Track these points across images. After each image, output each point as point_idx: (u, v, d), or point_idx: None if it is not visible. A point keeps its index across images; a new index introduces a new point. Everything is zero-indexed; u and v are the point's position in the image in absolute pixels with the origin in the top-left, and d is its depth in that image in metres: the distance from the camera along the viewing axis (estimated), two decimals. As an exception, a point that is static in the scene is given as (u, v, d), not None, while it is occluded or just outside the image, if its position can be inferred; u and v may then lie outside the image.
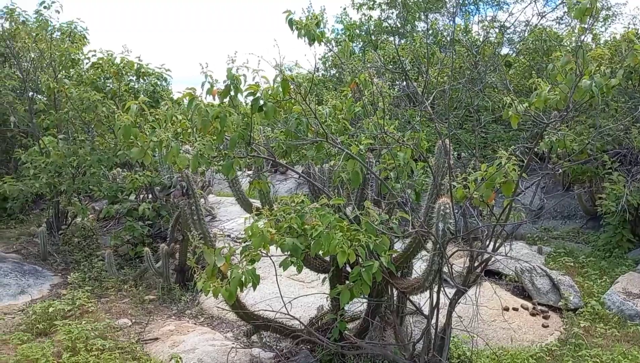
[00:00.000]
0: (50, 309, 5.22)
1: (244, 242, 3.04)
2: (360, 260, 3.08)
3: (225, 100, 3.22)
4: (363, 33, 17.15)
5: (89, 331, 4.67)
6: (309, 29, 3.44)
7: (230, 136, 3.05)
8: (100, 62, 7.21)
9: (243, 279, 2.76)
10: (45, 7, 7.52)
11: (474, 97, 5.54)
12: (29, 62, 8.60)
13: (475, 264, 3.49)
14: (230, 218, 9.52)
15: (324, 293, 4.42)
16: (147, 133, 3.16)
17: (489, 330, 5.14)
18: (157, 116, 7.86)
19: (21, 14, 9.27)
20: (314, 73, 3.55)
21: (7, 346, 4.75)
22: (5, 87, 8.19)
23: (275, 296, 4.91)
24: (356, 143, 3.58)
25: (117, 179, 8.14)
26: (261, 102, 3.06)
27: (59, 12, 7.56)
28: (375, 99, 4.10)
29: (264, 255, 2.99)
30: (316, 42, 3.47)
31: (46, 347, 4.32)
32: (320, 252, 3.01)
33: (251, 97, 3.06)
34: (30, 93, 8.13)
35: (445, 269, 3.29)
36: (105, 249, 8.06)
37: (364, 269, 2.96)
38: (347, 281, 4.07)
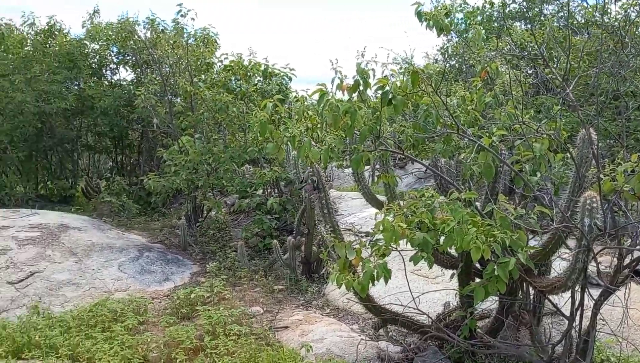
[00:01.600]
0: (192, 295, 5.66)
1: (373, 236, 3.06)
2: (493, 256, 2.96)
3: (353, 95, 3.27)
4: (485, 20, 16.42)
5: (227, 317, 4.99)
6: (438, 20, 3.39)
7: (360, 130, 3.08)
8: (231, 65, 7.66)
9: (375, 273, 2.78)
10: (182, 16, 8.16)
11: (620, 82, 5.06)
12: (168, 68, 9.39)
13: (625, 263, 3.19)
14: (351, 212, 9.63)
15: (452, 289, 4.31)
16: (281, 130, 3.29)
17: (637, 335, 4.69)
18: (282, 114, 8.16)
19: (160, 24, 10.16)
20: (445, 65, 3.47)
21: (156, 327, 5.24)
22: (149, 92, 9.01)
23: (400, 291, 4.90)
24: (487, 134, 3.45)
25: (247, 176, 8.62)
26: (390, 95, 3.06)
27: (194, 20, 8.16)
28: (508, 88, 3.91)
29: (393, 249, 2.99)
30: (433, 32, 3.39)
31: (189, 330, 4.69)
32: (451, 248, 2.94)
33: (380, 91, 3.07)
34: (169, 96, 8.85)
35: (589, 268, 3.05)
36: (237, 241, 8.58)
37: (499, 266, 2.84)
38: (477, 279, 3.95)
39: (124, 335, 4.52)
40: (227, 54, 7.76)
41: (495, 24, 15.81)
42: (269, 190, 8.79)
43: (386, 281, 2.89)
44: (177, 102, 8.86)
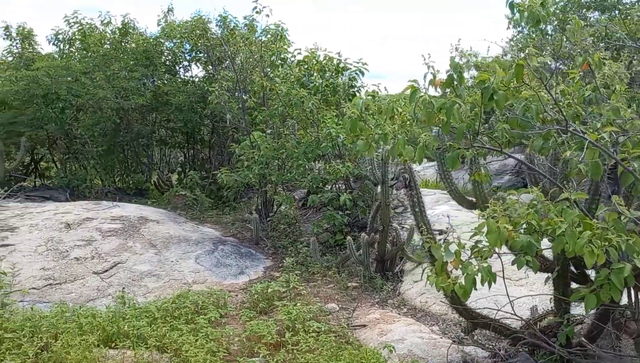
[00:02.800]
0: (269, 290, 5.69)
1: (473, 237, 2.93)
2: (599, 261, 2.76)
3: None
4: (559, 11, 15.66)
5: (305, 313, 4.98)
6: (533, 11, 3.21)
7: (457, 127, 2.95)
8: (305, 60, 7.65)
9: (479, 277, 2.65)
10: (257, 12, 8.22)
11: None
12: (241, 64, 9.51)
13: None
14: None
15: (546, 294, 4.10)
16: (372, 126, 3.21)
17: None
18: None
19: (232, 21, 10.32)
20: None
21: (235, 321, 5.31)
22: (222, 88, 9.16)
23: (483, 295, 4.72)
24: (590, 130, 3.22)
25: (318, 171, 8.61)
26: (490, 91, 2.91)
27: (268, 16, 8.21)
28: (609, 81, 3.65)
29: (495, 252, 2.84)
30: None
31: (270, 325, 4.71)
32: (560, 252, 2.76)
33: (481, 86, 2.92)
34: (242, 92, 8.96)
35: None
36: (307, 236, 8.60)
37: (613, 272, 2.64)
38: (574, 283, 3.72)
39: (207, 328, 4.59)
40: (300, 49, 7.76)
41: (572, 14, 15.04)
42: (337, 186, 8.74)
43: (489, 286, 2.75)
44: (250, 98, 8.95)
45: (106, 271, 6.36)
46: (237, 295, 6.23)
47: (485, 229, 2.69)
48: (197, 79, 11.96)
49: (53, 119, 10.84)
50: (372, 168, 6.30)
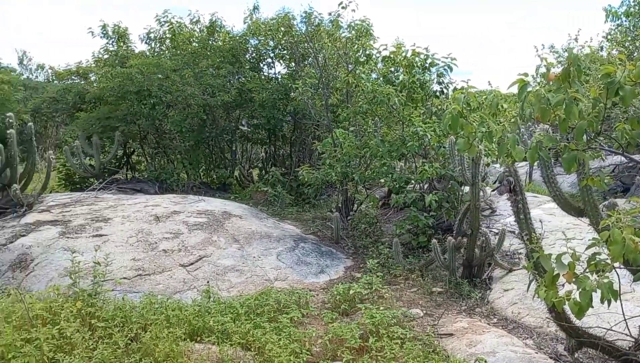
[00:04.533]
0: (351, 291, 5.55)
1: (589, 247, 2.62)
2: None
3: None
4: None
5: (389, 318, 4.79)
6: None
7: (577, 126, 2.65)
8: (391, 55, 7.43)
9: (599, 293, 2.35)
10: (342, 8, 8.10)
11: None
12: (324, 60, 9.44)
13: None
14: (511, 212, 8.93)
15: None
16: (475, 124, 2.96)
17: None
18: (439, 106, 7.68)
19: (317, 17, 10.26)
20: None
21: (316, 321, 5.21)
22: (306, 85, 9.14)
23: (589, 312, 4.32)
24: None
25: (400, 170, 8.37)
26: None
27: (354, 11, 8.06)
28: None
29: (615, 267, 2.52)
30: None
31: (353, 328, 4.56)
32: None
33: (605, 80, 2.60)
34: (326, 89, 8.87)
35: None
36: (388, 236, 8.38)
37: None
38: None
39: (290, 328, 4.52)
40: (386, 44, 7.54)
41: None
42: (420, 186, 8.45)
43: (609, 304, 2.44)
44: (333, 95, 8.86)
45: (192, 264, 6.49)
46: (317, 295, 6.14)
47: (603, 239, 2.38)
48: (280, 76, 12.04)
49: (144, 115, 11.31)
50: (461, 168, 5.97)
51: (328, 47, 9.22)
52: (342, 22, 8.92)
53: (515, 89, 2.98)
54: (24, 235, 7.01)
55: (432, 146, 7.18)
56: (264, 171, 12.70)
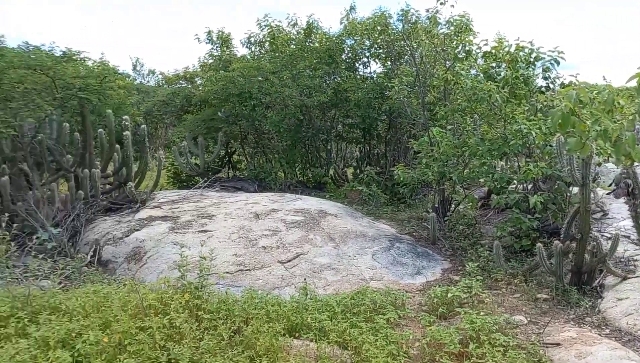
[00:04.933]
0: (449, 294, 5.42)
1: None
2: None
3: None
4: None
5: (490, 324, 4.61)
6: None
7: None
8: (493, 50, 7.15)
9: None
10: (441, 4, 7.91)
11: None
12: (421, 58, 9.28)
13: None
14: (625, 216, 8.25)
15: None
16: (588, 122, 2.77)
17: None
18: (545, 103, 7.27)
19: (414, 14, 10.12)
20: None
21: (413, 323, 5.14)
22: (402, 83, 9.04)
23: None
24: None
25: (501, 169, 8.03)
26: None
27: (453, 7, 7.84)
28: None
29: None
30: None
31: (452, 333, 4.45)
32: None
33: None
34: (423, 87, 8.71)
35: None
36: (487, 238, 8.08)
37: None
38: None
39: (386, 329, 4.50)
40: (486, 40, 7.26)
41: None
42: (523, 186, 8.05)
43: None
44: (430, 92, 8.69)
45: (289, 261, 6.66)
46: (414, 296, 6.06)
47: None
48: (375, 75, 12.01)
49: (245, 116, 11.77)
50: (570, 168, 5.61)
51: (425, 45, 9.05)
52: (440, 19, 8.70)
53: (633, 83, 2.76)
54: (137, 230, 7.57)
55: (537, 144, 6.81)
56: (358, 170, 12.73)
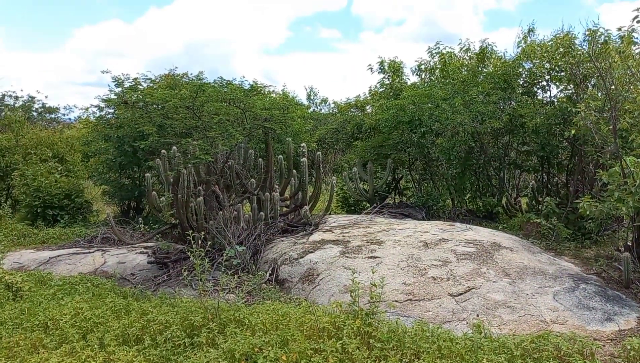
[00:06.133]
0: (649, 348, 4.74)
1: None
2: None
3: None
4: None
5: None
6: None
7: None
8: None
9: None
10: (638, 22, 7.12)
11: None
12: (612, 80, 8.40)
13: None
14: None
15: None
16: None
17: None
18: None
19: (603, 34, 9.26)
20: None
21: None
22: (589, 108, 8.27)
23: None
24: None
25: None
26: None
27: (655, 22, 7.00)
28: None
29: None
30: None
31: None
32: None
33: None
34: (614, 112, 7.87)
35: None
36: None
37: None
38: None
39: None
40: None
41: None
42: None
43: None
44: (622, 118, 7.80)
45: (460, 294, 6.43)
46: (604, 346, 5.42)
47: None
48: (557, 100, 11.19)
49: (414, 143, 11.80)
50: None
51: (617, 66, 8.19)
52: (636, 38, 7.83)
53: None
54: (311, 252, 7.96)
55: None
56: (533, 201, 11.90)
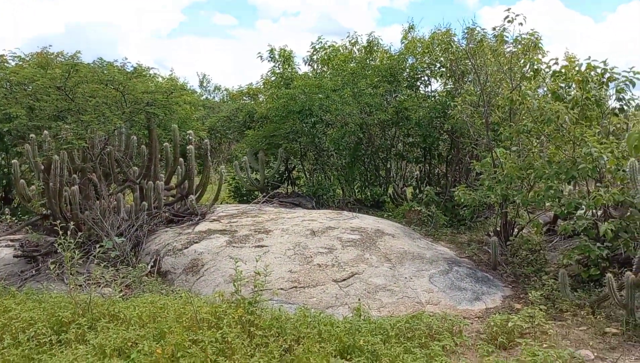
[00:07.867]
0: (510, 323, 5.17)
1: None
2: None
3: None
4: None
5: (554, 358, 4.36)
6: None
7: None
8: (562, 70, 6.86)
9: None
10: (509, 21, 7.69)
11: None
12: (486, 76, 9.04)
13: None
14: None
15: None
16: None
17: None
18: (618, 125, 6.89)
19: (480, 32, 9.91)
20: None
21: (470, 352, 4.94)
22: (465, 102, 8.84)
23: None
24: None
25: (569, 194, 7.65)
26: None
27: (522, 25, 7.61)
28: None
29: None
30: None
31: (510, 364, 4.24)
32: None
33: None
34: (486, 107, 8.47)
35: None
36: (552, 266, 7.71)
37: None
38: None
39: (442, 356, 4.34)
40: (556, 58, 6.97)
41: None
42: (592, 212, 7.63)
43: None
44: (494, 112, 8.43)
45: (344, 280, 6.59)
46: (472, 323, 5.83)
47: None
48: (437, 94, 11.84)
49: (305, 133, 11.89)
50: (644, 196, 5.26)
51: (491, 63, 8.82)
52: (507, 37, 8.46)
53: None
54: (196, 242, 7.75)
55: (608, 169, 6.44)
56: (417, 190, 12.53)
